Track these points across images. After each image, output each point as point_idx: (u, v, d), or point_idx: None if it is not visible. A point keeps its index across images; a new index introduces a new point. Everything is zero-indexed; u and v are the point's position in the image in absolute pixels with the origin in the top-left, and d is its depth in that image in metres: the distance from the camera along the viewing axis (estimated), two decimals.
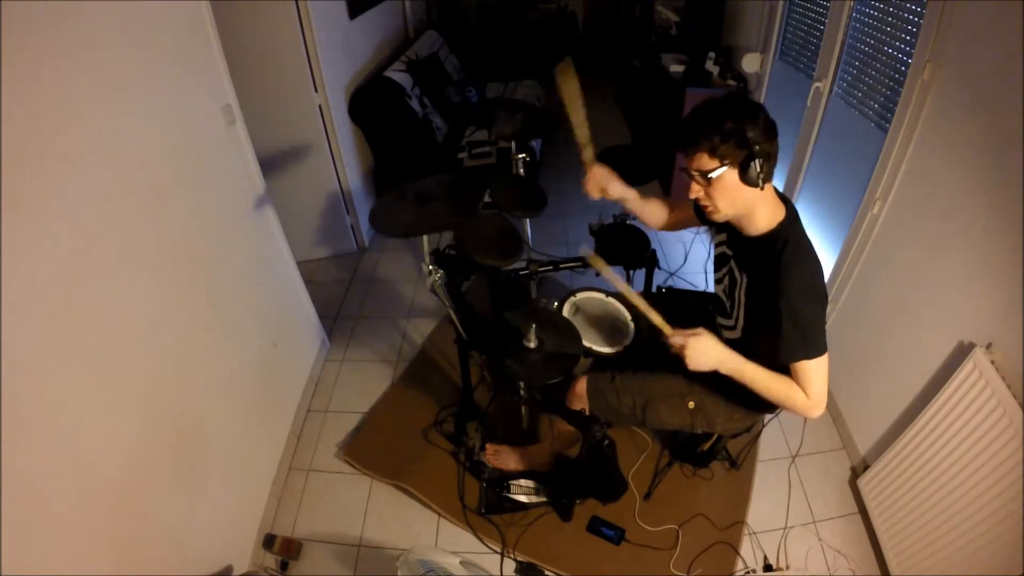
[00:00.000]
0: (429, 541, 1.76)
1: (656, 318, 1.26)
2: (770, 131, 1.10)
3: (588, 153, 1.50)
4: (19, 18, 0.94)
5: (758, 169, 1.08)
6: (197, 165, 1.56)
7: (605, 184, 1.50)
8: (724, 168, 1.10)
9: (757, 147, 1.07)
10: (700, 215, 1.46)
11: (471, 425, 1.94)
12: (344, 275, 3.00)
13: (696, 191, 1.17)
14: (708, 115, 1.10)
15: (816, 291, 1.16)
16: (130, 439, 1.22)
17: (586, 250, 1.35)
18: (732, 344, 1.34)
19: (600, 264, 1.28)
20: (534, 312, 1.56)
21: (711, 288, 1.50)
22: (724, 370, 1.22)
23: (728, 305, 1.37)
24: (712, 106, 1.11)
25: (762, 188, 1.13)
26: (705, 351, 1.20)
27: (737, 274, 1.30)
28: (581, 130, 1.47)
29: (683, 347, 1.20)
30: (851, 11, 2.05)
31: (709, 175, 1.11)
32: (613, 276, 1.27)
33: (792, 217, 1.21)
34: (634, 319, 1.68)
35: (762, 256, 1.19)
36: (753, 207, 1.17)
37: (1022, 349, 1.27)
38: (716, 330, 1.46)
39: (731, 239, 1.33)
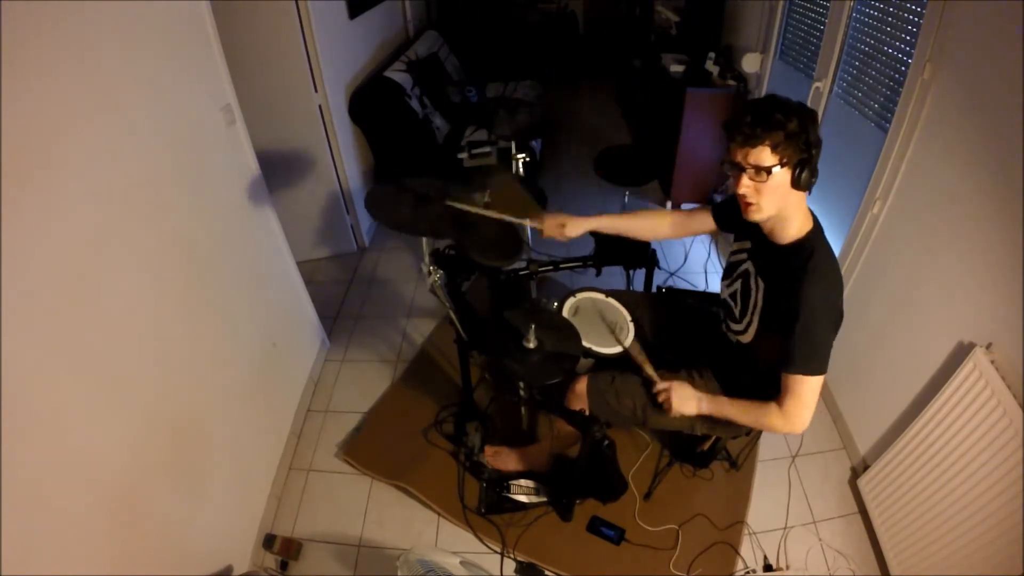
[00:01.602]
0: (429, 541, 1.76)
1: (649, 370, 1.42)
2: (820, 137, 1.12)
3: (533, 216, 1.54)
4: (19, 18, 0.94)
5: (811, 173, 1.11)
6: (197, 165, 1.56)
7: (563, 222, 1.51)
8: (781, 167, 1.10)
9: (815, 151, 1.10)
10: (723, 219, 1.46)
11: (471, 425, 1.93)
12: (344, 275, 3.00)
13: (745, 186, 1.14)
14: (774, 111, 1.08)
15: (833, 310, 1.16)
16: (130, 439, 1.22)
17: (634, 344, 1.47)
18: (741, 348, 1.35)
19: (639, 356, 1.44)
20: (534, 312, 1.55)
21: (711, 288, 1.50)
22: (703, 411, 1.33)
23: (739, 311, 1.36)
24: (777, 103, 1.10)
25: (809, 192, 1.15)
26: (685, 397, 1.33)
27: (754, 281, 1.30)
28: (508, 216, 1.50)
29: (667, 398, 1.34)
30: (851, 11, 2.05)
31: (768, 171, 1.10)
32: (645, 364, 1.43)
33: (819, 229, 1.22)
34: (634, 319, 1.68)
35: (787, 264, 1.19)
36: (792, 212, 1.18)
37: (1022, 349, 1.27)
38: (722, 333, 1.46)
39: (756, 247, 1.32)
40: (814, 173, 1.13)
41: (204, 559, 1.49)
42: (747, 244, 1.36)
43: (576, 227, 1.52)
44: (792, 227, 1.20)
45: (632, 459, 1.92)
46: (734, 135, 1.12)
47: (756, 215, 1.18)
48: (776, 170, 1.10)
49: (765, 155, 1.09)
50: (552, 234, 1.54)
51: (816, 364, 1.15)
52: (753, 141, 1.09)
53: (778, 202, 1.15)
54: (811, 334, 1.14)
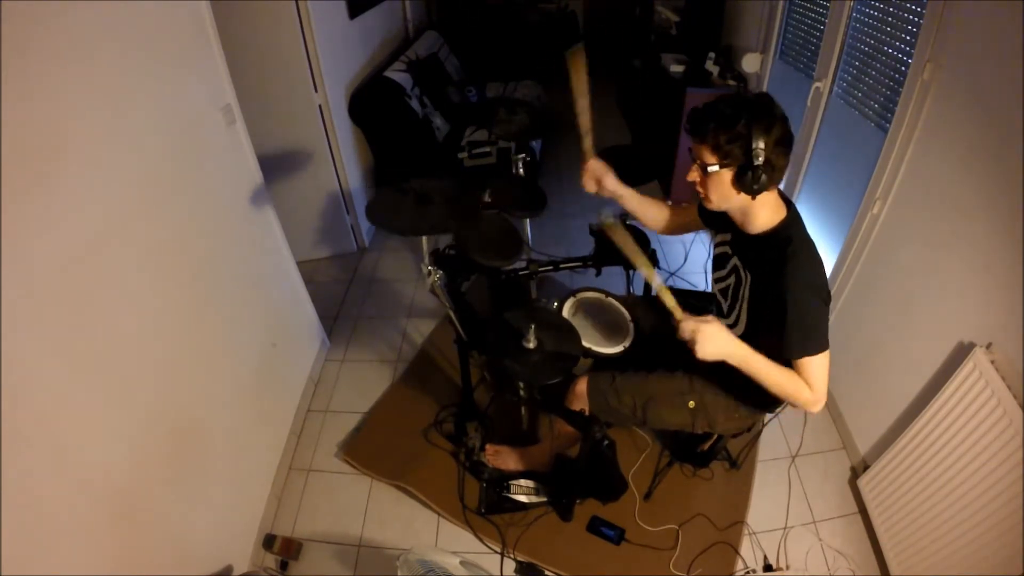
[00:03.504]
0: (429, 541, 1.76)
1: (670, 301, 1.20)
2: (783, 143, 1.09)
3: (587, 143, 1.47)
4: (19, 18, 0.94)
5: (753, 178, 1.08)
6: (197, 165, 1.56)
7: (600, 176, 1.48)
8: (721, 167, 1.11)
9: (759, 158, 1.07)
10: (703, 213, 1.46)
11: (471, 425, 1.93)
12: (344, 275, 3.00)
13: (693, 175, 1.19)
14: (724, 110, 1.08)
15: (819, 289, 1.16)
16: (130, 439, 1.22)
17: (607, 216, 1.23)
18: None
19: (620, 235, 1.19)
20: (534, 312, 1.56)
21: (710, 288, 1.50)
22: (732, 361, 1.17)
23: (727, 305, 1.37)
24: (731, 102, 1.09)
25: (753, 198, 1.13)
26: (715, 339, 1.14)
27: (742, 273, 1.30)
28: (583, 117, 1.43)
29: (694, 333, 1.14)
30: (851, 11, 2.05)
31: (706, 168, 1.13)
32: (633, 250, 1.19)
33: (794, 217, 1.22)
34: (634, 319, 1.68)
35: (766, 254, 1.20)
36: (747, 209, 1.19)
37: (1022, 349, 1.27)
38: None
39: (735, 239, 1.33)
40: (757, 179, 1.08)
41: (204, 559, 1.49)
42: (727, 236, 1.36)
43: (611, 182, 1.49)
44: (759, 219, 1.20)
45: (632, 459, 1.92)
46: (686, 126, 1.16)
47: (707, 204, 1.22)
48: (713, 169, 1.12)
49: (706, 153, 1.12)
50: (590, 178, 1.49)
51: (814, 344, 1.14)
52: (696, 138, 1.12)
53: (725, 198, 1.16)
54: (802, 318, 1.14)
